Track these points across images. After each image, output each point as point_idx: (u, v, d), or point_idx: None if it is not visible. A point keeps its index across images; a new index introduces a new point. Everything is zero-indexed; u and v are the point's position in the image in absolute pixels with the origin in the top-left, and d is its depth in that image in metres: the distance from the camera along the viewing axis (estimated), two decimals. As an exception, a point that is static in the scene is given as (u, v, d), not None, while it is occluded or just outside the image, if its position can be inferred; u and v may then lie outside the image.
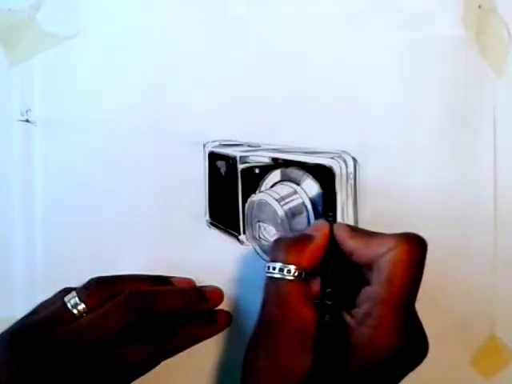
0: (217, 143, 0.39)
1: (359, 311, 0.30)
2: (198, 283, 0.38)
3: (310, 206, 0.37)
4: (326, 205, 0.37)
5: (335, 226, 0.33)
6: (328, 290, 0.32)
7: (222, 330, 0.37)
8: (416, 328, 0.31)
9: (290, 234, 0.35)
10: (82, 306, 0.34)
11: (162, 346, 0.34)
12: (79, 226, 0.39)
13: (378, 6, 0.38)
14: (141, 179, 0.39)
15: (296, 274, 0.31)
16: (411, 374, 0.36)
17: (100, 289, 0.35)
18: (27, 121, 0.40)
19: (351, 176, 0.37)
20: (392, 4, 0.37)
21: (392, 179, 0.37)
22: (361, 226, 0.37)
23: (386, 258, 0.30)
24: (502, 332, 0.37)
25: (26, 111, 0.40)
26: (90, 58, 0.39)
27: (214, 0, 0.39)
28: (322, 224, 0.33)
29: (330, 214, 0.35)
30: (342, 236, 0.32)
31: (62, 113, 0.39)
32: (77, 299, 0.34)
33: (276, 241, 0.33)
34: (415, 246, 0.30)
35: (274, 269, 0.32)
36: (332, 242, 0.33)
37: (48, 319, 0.33)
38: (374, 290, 0.30)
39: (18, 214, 0.40)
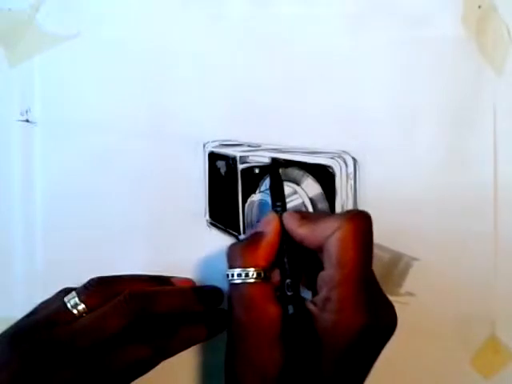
0: (217, 143, 0.39)
1: (319, 297, 0.30)
2: (198, 283, 0.38)
3: (310, 206, 0.37)
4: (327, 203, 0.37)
5: (284, 215, 0.33)
6: (287, 281, 0.32)
7: (223, 330, 0.37)
8: (379, 302, 0.31)
9: (242, 239, 0.35)
10: (81, 306, 0.34)
11: (161, 346, 0.34)
12: (79, 226, 0.39)
13: (379, 6, 0.38)
14: (141, 179, 0.39)
15: (255, 275, 0.31)
16: (411, 374, 0.36)
17: (100, 289, 0.35)
18: (27, 121, 0.40)
19: (351, 176, 0.37)
20: (392, 4, 0.37)
21: (392, 179, 0.37)
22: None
23: (332, 240, 0.30)
24: (502, 332, 0.37)
25: (26, 111, 0.40)
26: (90, 58, 0.39)
27: (214, 0, 0.39)
28: (271, 217, 0.33)
29: (278, 204, 0.34)
30: (291, 225, 0.32)
31: (62, 113, 0.39)
32: (76, 299, 0.34)
33: (229, 247, 0.34)
34: (358, 223, 0.30)
35: (233, 275, 0.32)
36: (284, 232, 0.33)
37: (48, 319, 0.33)
38: (327, 275, 0.30)
39: (18, 214, 0.40)
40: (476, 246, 0.37)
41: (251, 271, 0.32)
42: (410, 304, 0.37)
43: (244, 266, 0.32)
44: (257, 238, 0.33)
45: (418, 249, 0.37)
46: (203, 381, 0.39)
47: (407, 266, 0.37)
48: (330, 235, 0.30)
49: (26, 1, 0.39)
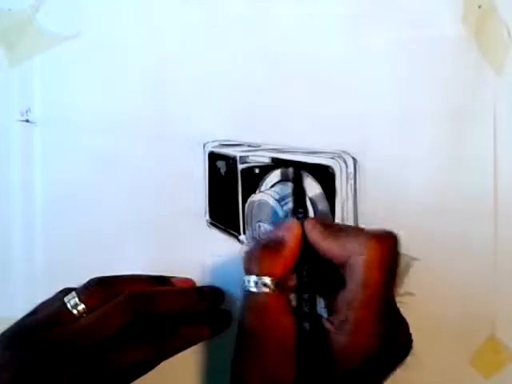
0: (217, 143, 0.39)
1: (337, 317, 0.30)
2: (198, 283, 0.38)
3: (310, 206, 0.37)
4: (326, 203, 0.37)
5: (306, 225, 0.32)
6: (305, 295, 0.31)
7: (223, 330, 0.37)
8: (396, 323, 0.31)
9: (261, 242, 0.34)
10: (81, 307, 0.34)
11: (162, 346, 0.34)
12: (79, 226, 0.39)
13: (379, 6, 0.37)
14: (141, 179, 0.39)
15: (272, 285, 0.31)
16: (411, 374, 0.36)
17: (100, 289, 0.35)
18: (27, 121, 0.40)
19: (351, 176, 0.37)
20: (392, 4, 0.37)
21: (392, 179, 0.37)
22: (360, 225, 0.37)
23: (359, 261, 0.29)
24: (502, 332, 0.37)
25: (26, 111, 0.40)
26: (90, 58, 0.39)
27: (214, 0, 0.39)
28: (293, 224, 0.33)
29: (301, 210, 0.34)
30: (315, 237, 0.32)
31: (62, 113, 0.39)
32: (76, 299, 0.34)
33: (247, 252, 0.32)
34: (386, 244, 0.30)
35: (249, 282, 0.31)
36: (305, 241, 0.32)
37: (48, 319, 0.33)
38: (348, 295, 0.30)
39: (18, 214, 0.40)
40: (476, 246, 0.37)
41: (268, 280, 0.31)
42: (409, 304, 0.37)
43: (261, 274, 0.31)
44: (277, 244, 0.32)
45: (418, 249, 0.37)
46: (203, 380, 0.39)
47: (407, 266, 0.37)
48: (357, 253, 0.29)
49: (26, 1, 0.39)
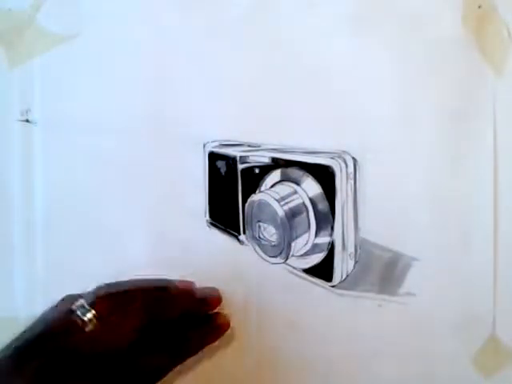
0: (217, 143, 0.39)
1: None
2: (198, 283, 0.38)
3: (310, 206, 0.37)
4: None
5: None
6: None
7: (224, 332, 0.37)
8: None
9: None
10: (91, 313, 0.33)
11: (175, 352, 0.34)
12: (79, 226, 0.39)
13: (378, 6, 0.38)
14: (141, 179, 0.39)
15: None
16: (411, 374, 0.36)
17: (108, 295, 0.34)
18: (27, 121, 0.40)
19: (351, 176, 0.37)
20: (392, 4, 0.37)
21: (392, 179, 0.37)
22: (360, 225, 0.37)
23: None
24: (502, 332, 0.37)
25: (26, 111, 0.40)
26: (90, 58, 0.39)
27: (215, 0, 0.39)
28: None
29: None
30: None
31: (62, 113, 0.39)
32: (86, 306, 0.33)
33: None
34: None
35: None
36: None
37: (60, 328, 0.33)
38: None
39: (19, 214, 0.40)
40: (476, 246, 0.37)
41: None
42: (409, 304, 0.37)
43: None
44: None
45: (418, 249, 0.37)
46: (203, 380, 0.39)
47: (407, 266, 0.37)
48: None
49: (25, 1, 0.39)
